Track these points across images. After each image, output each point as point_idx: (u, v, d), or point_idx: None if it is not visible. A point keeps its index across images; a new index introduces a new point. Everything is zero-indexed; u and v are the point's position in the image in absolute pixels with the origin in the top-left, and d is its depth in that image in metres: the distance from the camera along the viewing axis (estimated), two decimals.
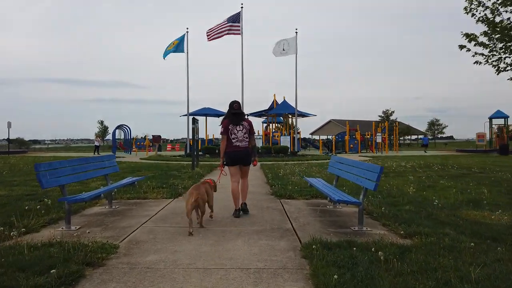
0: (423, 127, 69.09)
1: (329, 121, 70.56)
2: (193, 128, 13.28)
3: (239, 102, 6.20)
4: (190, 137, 35.33)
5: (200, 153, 28.04)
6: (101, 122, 58.36)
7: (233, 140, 5.98)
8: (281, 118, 43.26)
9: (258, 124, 44.54)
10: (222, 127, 6.05)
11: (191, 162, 14.97)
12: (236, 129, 5.98)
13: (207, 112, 33.50)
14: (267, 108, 37.80)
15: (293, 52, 25.34)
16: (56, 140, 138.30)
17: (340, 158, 7.01)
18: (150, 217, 6.00)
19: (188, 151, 26.99)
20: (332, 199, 5.31)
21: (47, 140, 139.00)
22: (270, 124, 40.14)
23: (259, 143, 32.51)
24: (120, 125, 35.08)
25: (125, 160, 21.96)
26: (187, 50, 25.22)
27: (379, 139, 31.60)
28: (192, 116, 13.23)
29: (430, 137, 71.60)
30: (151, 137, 29.01)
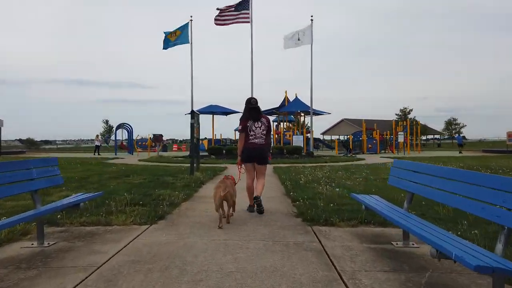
0: (434, 127, 65.71)
1: (342, 120, 67.50)
2: (192, 124, 10.61)
3: (256, 99, 5.97)
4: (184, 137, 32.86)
5: (205, 154, 25.45)
6: (106, 122, 56.12)
7: (250, 137, 5.80)
8: (292, 116, 40.57)
9: None
10: (240, 125, 5.86)
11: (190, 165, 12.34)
12: (255, 126, 5.79)
13: (214, 110, 30.85)
14: (277, 106, 35.08)
15: (308, 42, 22.61)
16: (67, 140, 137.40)
17: (414, 165, 4.24)
18: (90, 272, 3.31)
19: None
20: (455, 258, 2.47)
21: (58, 141, 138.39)
22: (281, 123, 37.39)
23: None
24: (122, 124, 32.65)
25: (121, 162, 19.40)
26: (191, 40, 22.61)
27: (401, 139, 28.64)
28: (191, 110, 10.41)
29: (446, 137, 68.14)
30: (153, 137, 26.38)
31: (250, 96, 6.09)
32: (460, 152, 30.78)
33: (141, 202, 6.33)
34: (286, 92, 34.97)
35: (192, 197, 7.44)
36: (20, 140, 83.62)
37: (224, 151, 25.28)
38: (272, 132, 18.67)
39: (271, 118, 40.24)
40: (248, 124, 5.77)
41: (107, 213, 5.44)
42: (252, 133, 5.78)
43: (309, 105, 32.71)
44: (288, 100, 34.84)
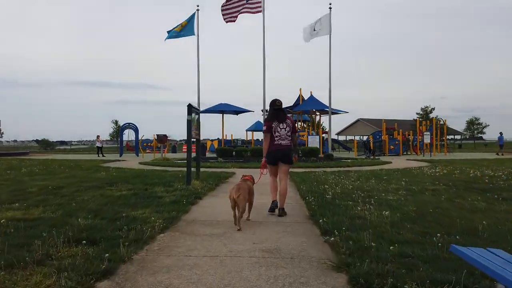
0: (453, 127, 62.20)
1: (357, 120, 64.71)
2: (188, 121, 8.42)
3: (281, 100, 5.90)
4: (201, 137, 30.61)
5: (213, 155, 23.26)
6: (115, 122, 54.47)
7: (275, 138, 5.71)
8: (307, 116, 38.20)
9: None
10: (265, 126, 5.80)
11: (193, 171, 10.20)
12: (280, 127, 5.72)
13: (224, 109, 28.72)
14: (291, 104, 32.78)
15: (327, 33, 20.25)
16: (83, 141, 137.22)
17: None
18: None
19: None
20: None
21: (74, 141, 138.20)
22: (296, 123, 35.11)
23: None
24: (128, 123, 30.73)
25: (119, 165, 17.34)
26: (198, 31, 20.47)
27: (427, 139, 26.01)
28: (188, 104, 8.17)
29: (467, 137, 64.77)
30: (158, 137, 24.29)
31: (274, 98, 5.97)
32: (500, 154, 27.92)
33: (93, 237, 4.12)
34: (300, 90, 32.72)
35: (178, 222, 5.21)
36: (36, 141, 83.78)
37: (233, 153, 23.11)
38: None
39: None
40: (273, 126, 5.72)
41: (13, 266, 3.22)
42: (277, 134, 5.72)
43: (325, 103, 30.40)
44: (303, 98, 32.55)
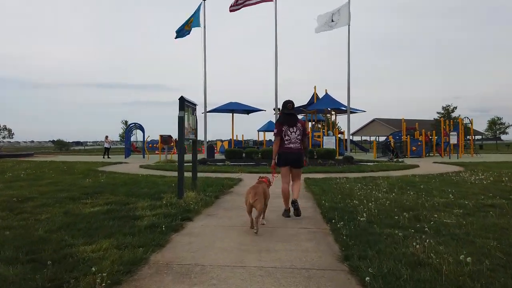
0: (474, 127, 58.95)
1: (373, 120, 62.16)
2: (180, 118, 6.64)
3: (293, 102, 5.87)
4: (209, 138, 28.70)
5: (222, 157, 21.45)
6: (125, 122, 53.32)
7: (286, 142, 5.69)
8: (321, 115, 36.20)
9: None
10: (275, 128, 5.77)
11: (190, 177, 8.45)
12: (290, 131, 5.70)
13: (234, 108, 26.95)
14: (305, 103, 30.86)
15: (345, 23, 18.28)
16: (98, 141, 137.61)
17: None
18: None
19: (206, 156, 20.50)
20: None
21: (89, 142, 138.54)
22: (310, 123, 33.12)
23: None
24: (134, 123, 29.25)
25: (116, 169, 15.71)
26: (204, 23, 18.71)
27: (454, 140, 23.77)
28: (180, 97, 6.35)
29: (488, 137, 61.73)
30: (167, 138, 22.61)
31: (287, 99, 5.87)
32: None
33: None
34: (315, 87, 30.77)
35: (142, 270, 3.39)
36: (52, 142, 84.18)
37: (243, 155, 21.32)
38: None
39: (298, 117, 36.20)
40: (283, 129, 5.71)
41: None
42: (287, 137, 5.69)
43: (341, 101, 28.39)
44: (318, 96, 30.60)
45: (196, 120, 7.72)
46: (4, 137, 54.87)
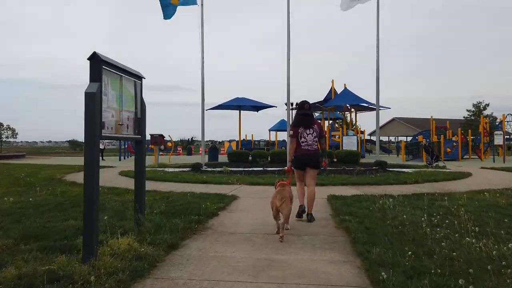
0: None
1: (392, 120, 57.87)
2: (89, 97, 3.21)
3: (309, 103, 5.62)
4: (209, 138, 24.78)
5: (220, 161, 17.78)
6: None
7: (302, 144, 5.40)
8: (339, 113, 32.54)
9: None
10: (291, 131, 5.52)
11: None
12: (306, 133, 5.42)
13: (241, 104, 23.61)
14: (321, 99, 27.31)
15: None
16: (113, 142, 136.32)
17: None
18: None
19: (207, 160, 17.10)
20: None
21: (106, 142, 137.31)
22: (326, 121, 29.53)
23: None
24: None
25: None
26: (202, 1, 15.30)
27: (499, 140, 19.95)
28: (93, 52, 2.87)
29: None
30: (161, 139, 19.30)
31: (303, 100, 5.63)
32: None
33: None
34: (332, 82, 27.21)
35: None
36: (68, 142, 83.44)
37: (249, 157, 17.92)
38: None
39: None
40: (299, 131, 5.43)
41: None
42: (303, 139, 5.42)
43: (361, 96, 24.77)
44: (335, 92, 27.03)
45: (141, 104, 4.35)
46: (7, 137, 52.77)
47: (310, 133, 5.40)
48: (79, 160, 23.52)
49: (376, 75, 14.82)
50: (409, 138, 37.13)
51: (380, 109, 25.54)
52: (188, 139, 61.23)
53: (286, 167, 5.54)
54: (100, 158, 24.96)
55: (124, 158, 24.68)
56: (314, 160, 5.42)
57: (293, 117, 5.79)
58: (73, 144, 61.13)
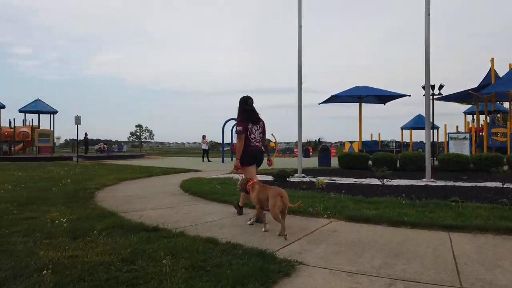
0: None
1: None
2: None
3: (252, 99, 5.32)
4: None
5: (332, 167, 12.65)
6: (140, 126, 51.21)
7: (252, 140, 5.18)
8: (499, 103, 24.22)
9: (458, 117, 26.59)
10: (241, 126, 5.14)
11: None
12: (255, 129, 5.23)
13: (363, 94, 18.33)
14: (476, 86, 20.08)
15: None
16: (169, 143, 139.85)
17: None
18: None
19: (316, 165, 12.65)
20: None
21: (167, 142, 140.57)
22: (481, 115, 21.84)
23: (467, 147, 15.91)
24: (231, 119, 23.35)
25: (134, 188, 9.45)
26: None
27: None
28: None
29: None
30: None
31: (246, 95, 5.31)
32: None
33: None
34: (492, 60, 19.79)
35: None
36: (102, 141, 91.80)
37: (370, 162, 12.80)
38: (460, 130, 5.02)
39: (462, 108, 25.09)
40: (249, 127, 5.17)
41: None
42: (252, 135, 5.21)
43: None
44: (496, 74, 19.55)
45: None
46: (145, 138, 57.37)
47: (257, 130, 5.23)
48: (187, 161, 21.72)
49: None
50: None
51: None
52: (315, 140, 59.55)
53: (234, 165, 5.20)
54: (206, 159, 22.89)
55: (224, 161, 21.88)
56: (260, 158, 5.28)
57: (238, 112, 5.34)
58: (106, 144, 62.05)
